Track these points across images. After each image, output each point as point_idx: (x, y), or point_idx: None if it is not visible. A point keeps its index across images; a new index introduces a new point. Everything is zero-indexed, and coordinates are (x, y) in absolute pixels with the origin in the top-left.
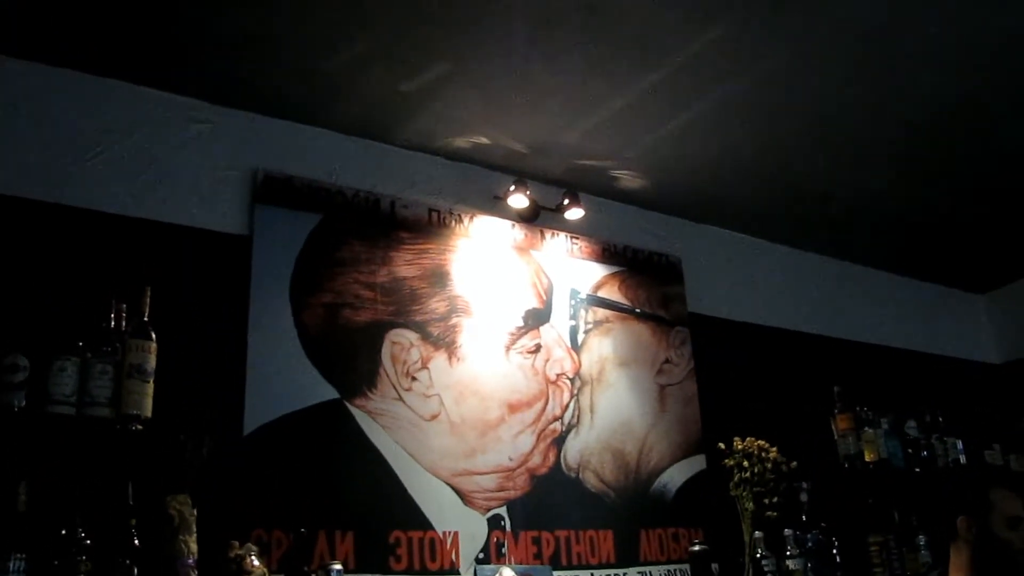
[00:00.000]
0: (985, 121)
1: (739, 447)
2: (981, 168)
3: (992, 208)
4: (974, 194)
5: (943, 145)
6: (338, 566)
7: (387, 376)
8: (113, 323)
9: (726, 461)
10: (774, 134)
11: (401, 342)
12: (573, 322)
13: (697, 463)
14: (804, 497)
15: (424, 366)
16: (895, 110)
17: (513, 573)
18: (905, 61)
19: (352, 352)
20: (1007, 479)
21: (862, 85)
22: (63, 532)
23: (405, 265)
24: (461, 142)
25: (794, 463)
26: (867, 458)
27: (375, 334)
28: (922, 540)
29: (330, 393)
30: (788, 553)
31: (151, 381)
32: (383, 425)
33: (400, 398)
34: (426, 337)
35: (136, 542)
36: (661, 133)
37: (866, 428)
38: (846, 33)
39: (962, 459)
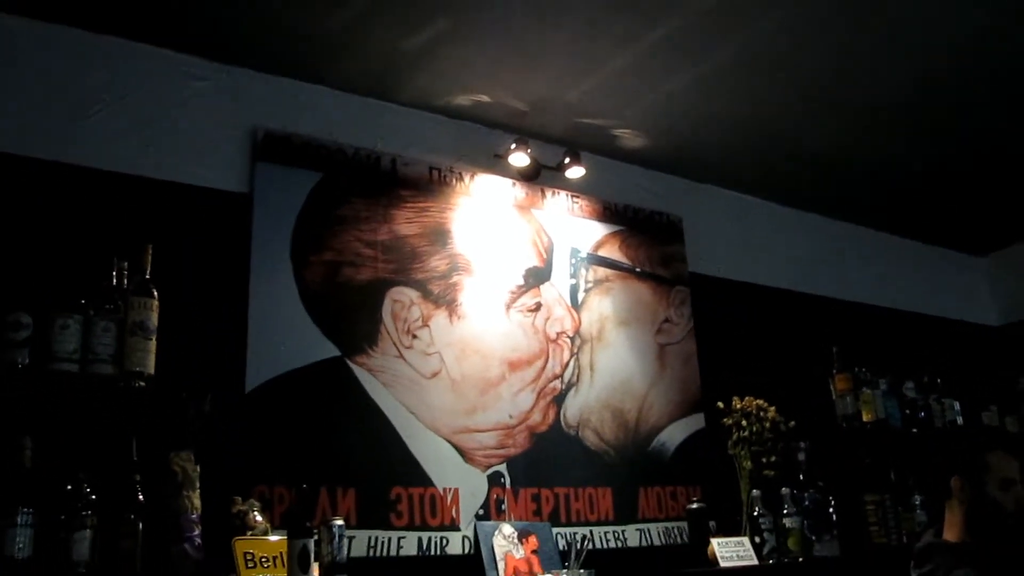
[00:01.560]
0: (990, 81)
1: (738, 406)
2: (984, 129)
3: (994, 170)
4: (977, 156)
5: (946, 106)
6: (340, 521)
7: (388, 334)
8: (115, 281)
9: (724, 420)
10: (776, 94)
11: (402, 300)
12: (573, 281)
13: (696, 422)
14: (802, 456)
15: (425, 324)
16: (899, 69)
17: (513, 529)
18: (908, 18)
19: (353, 310)
20: (1003, 441)
21: (866, 44)
22: (68, 487)
23: (406, 223)
24: (462, 100)
25: (792, 422)
26: (865, 418)
27: (376, 292)
28: (917, 500)
29: (331, 351)
30: (785, 512)
31: (153, 339)
32: (384, 382)
33: (401, 356)
34: (427, 295)
35: (141, 498)
36: (662, 92)
37: (864, 388)
38: None
39: (959, 420)
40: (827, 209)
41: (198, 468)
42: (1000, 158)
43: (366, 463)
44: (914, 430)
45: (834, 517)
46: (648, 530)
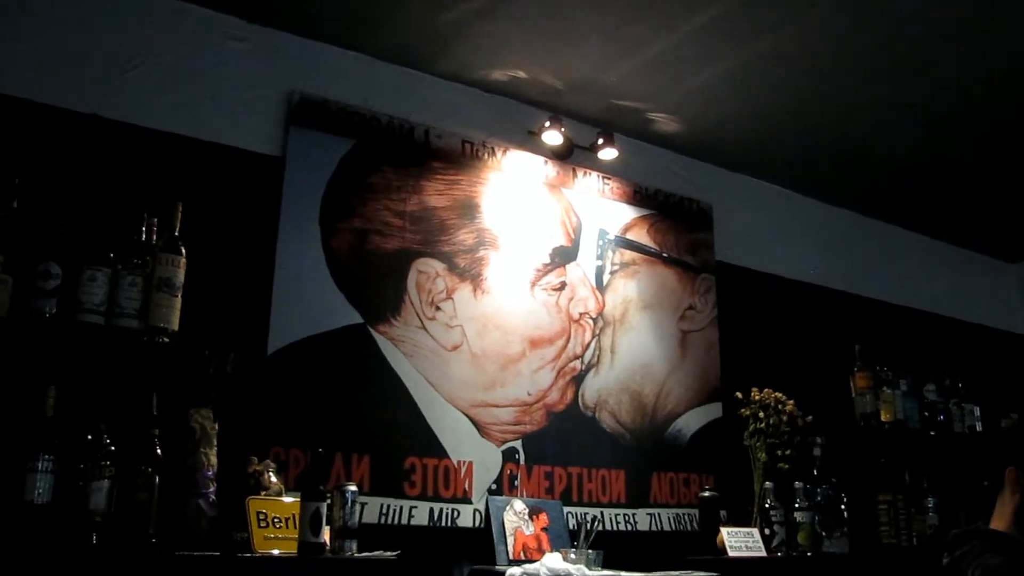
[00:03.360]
0: None
1: (756, 398)
2: (1020, 133)
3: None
4: (1014, 161)
5: (985, 109)
6: (353, 487)
7: (411, 304)
8: (144, 236)
9: (742, 411)
10: (815, 87)
11: (427, 271)
12: (600, 262)
13: (713, 410)
14: (817, 451)
15: (449, 296)
16: (938, 69)
17: (524, 506)
18: (949, 19)
19: (378, 278)
20: None
21: (906, 42)
22: (89, 437)
23: (435, 195)
24: (498, 75)
25: (810, 417)
26: (883, 417)
27: (402, 262)
28: (931, 502)
29: (354, 318)
30: (797, 505)
31: (179, 295)
32: (405, 352)
33: (423, 327)
34: (452, 268)
35: (158, 452)
36: (700, 79)
37: (884, 388)
38: None
39: (978, 426)
40: (858, 205)
41: (216, 426)
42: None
43: (382, 431)
44: (932, 433)
45: (845, 514)
46: (659, 515)
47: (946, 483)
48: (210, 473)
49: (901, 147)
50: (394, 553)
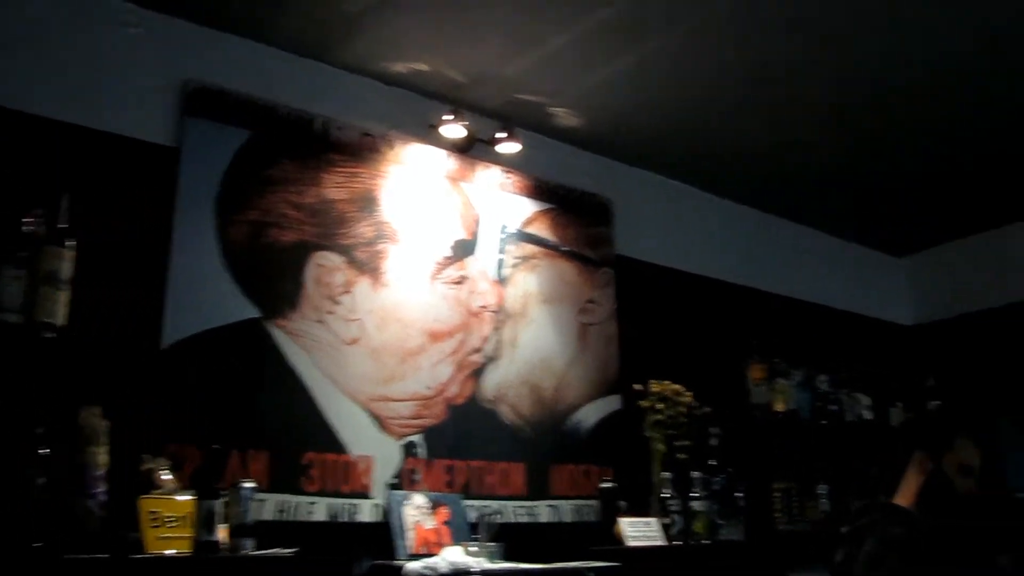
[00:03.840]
0: (912, 89)
1: (655, 390)
2: (910, 135)
3: (918, 175)
4: (901, 160)
5: (875, 108)
6: (249, 484)
7: (309, 298)
8: (28, 228)
9: (641, 402)
10: (713, 84)
11: (326, 264)
12: (500, 256)
13: (613, 403)
14: (714, 442)
15: (347, 290)
16: (832, 69)
17: (424, 500)
18: (841, 19)
19: (276, 272)
20: (972, 430)
21: (801, 42)
22: None
23: (334, 187)
24: (400, 67)
25: (707, 408)
26: (777, 408)
27: (300, 255)
28: (822, 489)
29: (251, 312)
30: (694, 495)
31: (66, 289)
32: (303, 347)
33: (321, 320)
34: (351, 261)
35: (45, 451)
36: (602, 74)
37: (779, 379)
38: None
39: (867, 415)
40: (756, 202)
41: (106, 423)
42: (921, 164)
43: (280, 427)
44: (824, 422)
45: (742, 503)
46: (559, 507)
47: (837, 471)
48: (100, 472)
49: (797, 146)
50: (291, 550)
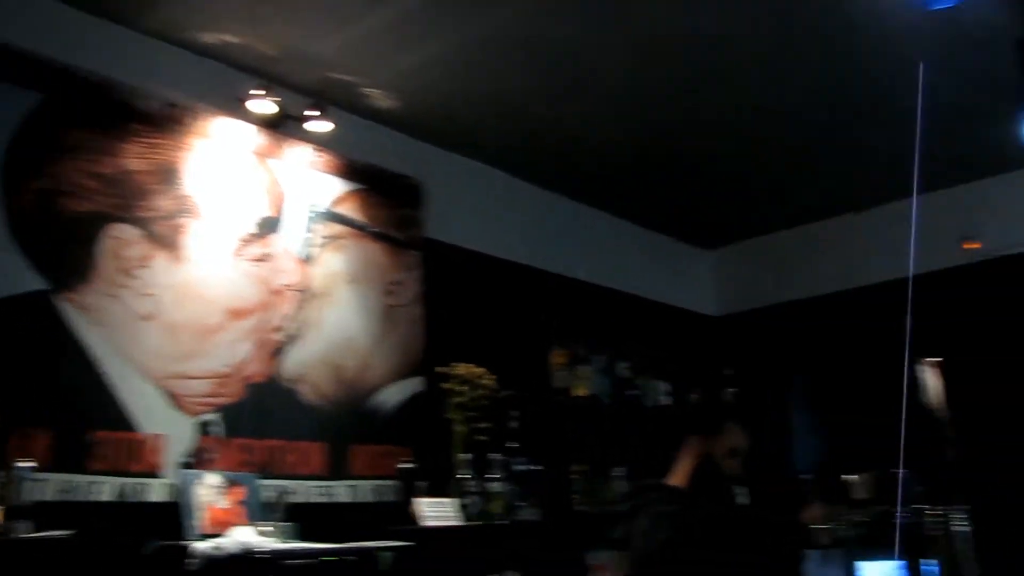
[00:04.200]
0: (728, 85)
1: (457, 372)
2: (718, 133)
3: (728, 171)
4: (710, 156)
5: (688, 105)
6: (27, 464)
7: (102, 271)
8: None
9: (444, 385)
10: (523, 72)
11: (121, 237)
12: (307, 234)
13: (416, 384)
14: (514, 425)
15: (144, 264)
16: (647, 66)
17: (217, 479)
18: (654, 17)
19: (67, 243)
20: (741, 416)
21: (612, 32)
22: None
23: (135, 158)
24: (209, 37)
25: (509, 392)
26: (578, 392)
27: (94, 226)
28: (618, 472)
29: (38, 283)
30: (493, 476)
31: None
32: (94, 321)
33: (114, 295)
34: (149, 234)
35: None
36: (415, 57)
37: (580, 364)
38: None
39: (665, 400)
40: (567, 189)
41: None
42: (731, 161)
43: (66, 404)
44: (623, 407)
45: (540, 484)
46: (359, 487)
47: (635, 453)
48: None
49: (606, 136)
50: (68, 532)
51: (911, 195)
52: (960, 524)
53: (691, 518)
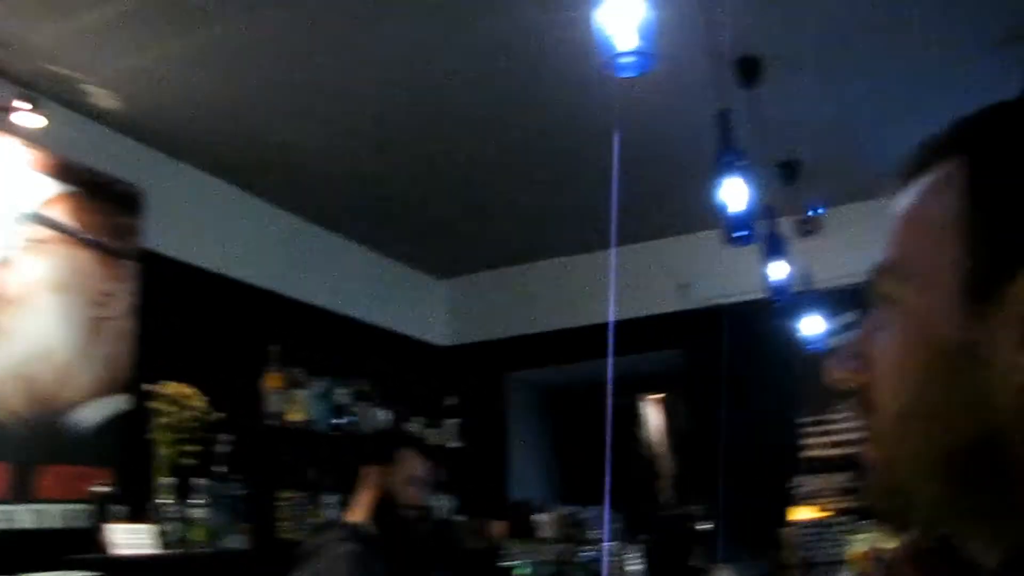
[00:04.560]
0: (453, 128)
1: (166, 392)
2: (448, 168)
3: (459, 202)
4: (445, 187)
5: (418, 139)
6: None
7: None
8: None
9: (150, 404)
10: (255, 84)
11: None
12: (8, 237)
13: (120, 402)
14: (224, 448)
15: None
16: (378, 90)
17: None
18: (403, 36)
19: None
20: (417, 443)
21: (359, 56)
22: None
23: None
24: None
25: (221, 414)
26: (293, 418)
27: None
28: (330, 499)
29: None
30: (196, 501)
31: None
32: None
33: None
34: None
35: None
36: (146, 57)
37: (297, 389)
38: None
39: (386, 429)
40: (298, 209)
41: None
42: (466, 194)
43: None
44: (339, 434)
45: (247, 510)
46: (45, 511)
47: (349, 481)
48: None
49: (341, 160)
50: None
51: (633, 242)
52: (634, 563)
53: (371, 557)
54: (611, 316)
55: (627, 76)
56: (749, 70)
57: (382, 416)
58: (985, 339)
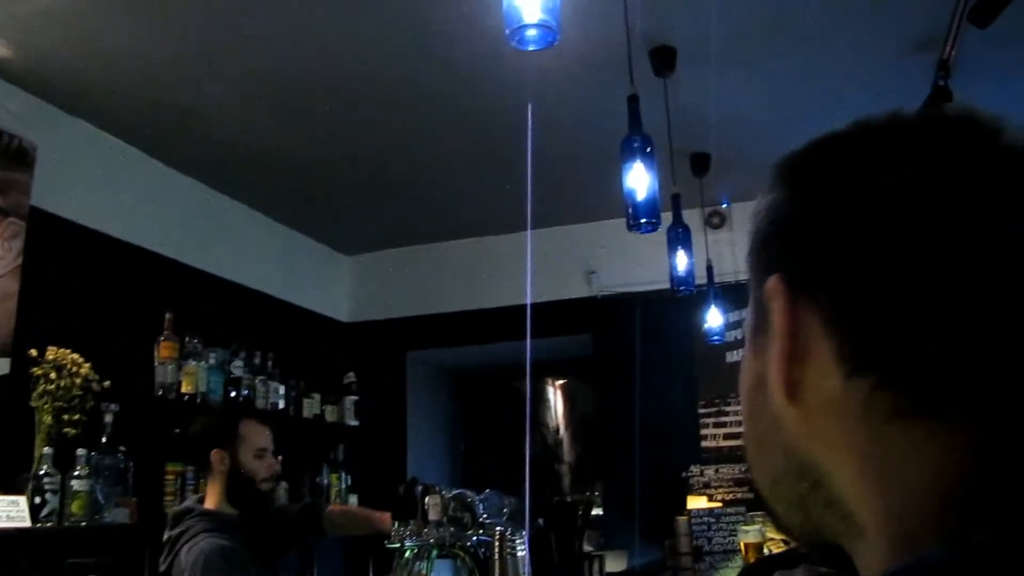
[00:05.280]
0: (370, 103)
1: (51, 357)
2: (363, 138)
3: (367, 178)
4: (354, 162)
5: (330, 109)
6: None
7: None
8: None
9: (33, 370)
10: (166, 44)
11: None
12: None
13: (1, 366)
14: (109, 419)
15: None
16: (289, 60)
17: None
18: (297, 10)
19: None
20: (255, 412)
21: (261, 26)
22: None
23: None
24: None
25: (107, 382)
26: (184, 389)
27: None
28: None
29: None
30: (77, 473)
31: None
32: None
33: None
34: None
35: None
36: (41, 3)
37: (191, 360)
38: None
39: (281, 404)
40: (204, 176)
41: None
42: (374, 169)
43: None
44: (233, 407)
45: (131, 482)
46: None
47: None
48: None
49: (246, 125)
50: None
51: (543, 226)
52: (520, 549)
53: (235, 542)
54: (528, 299)
55: (531, 49)
56: (664, 60)
57: (279, 392)
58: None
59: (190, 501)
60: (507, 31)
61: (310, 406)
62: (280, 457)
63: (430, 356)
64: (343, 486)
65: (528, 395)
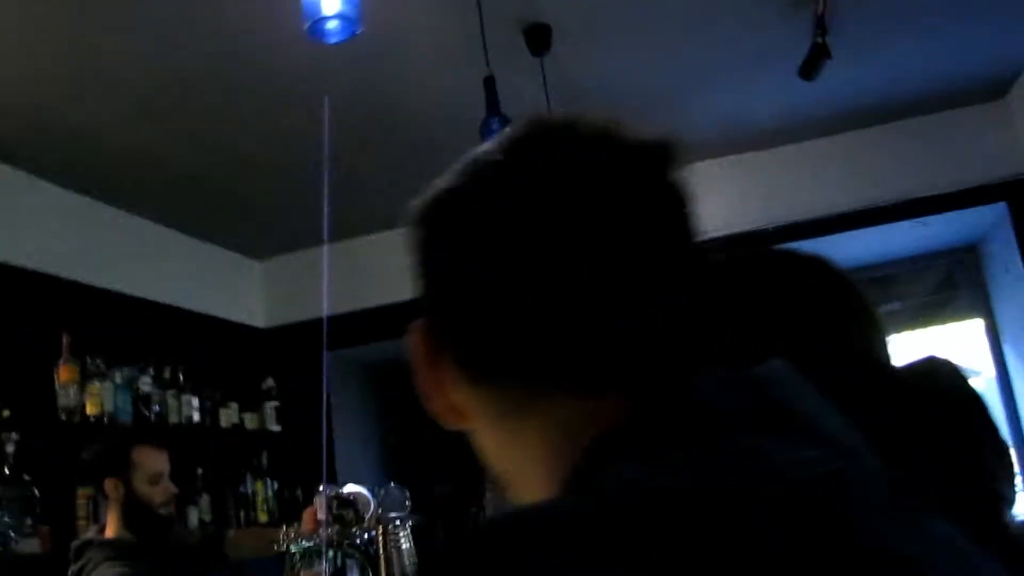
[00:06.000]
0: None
1: None
2: (257, 141)
3: (269, 181)
4: (257, 166)
5: (214, 114)
6: None
7: None
8: None
9: None
10: (47, 55)
11: None
12: None
13: None
14: (11, 448)
15: None
16: (177, 69)
17: None
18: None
19: None
20: (148, 436)
21: (124, 33)
22: None
23: None
24: None
25: (6, 412)
26: (89, 411)
27: None
28: None
29: None
30: None
31: None
32: None
33: None
34: None
35: None
36: None
37: (94, 380)
38: None
39: (196, 416)
40: (97, 192)
41: None
42: (278, 172)
43: None
44: (143, 425)
45: (38, 510)
46: None
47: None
48: None
49: (139, 136)
50: None
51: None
52: (404, 541)
53: (138, 569)
54: (324, 311)
55: (332, 41)
56: (539, 38)
57: (192, 404)
58: None
59: (91, 532)
60: (305, 25)
61: (227, 415)
62: (199, 473)
63: (352, 354)
64: (269, 492)
65: (324, 392)
